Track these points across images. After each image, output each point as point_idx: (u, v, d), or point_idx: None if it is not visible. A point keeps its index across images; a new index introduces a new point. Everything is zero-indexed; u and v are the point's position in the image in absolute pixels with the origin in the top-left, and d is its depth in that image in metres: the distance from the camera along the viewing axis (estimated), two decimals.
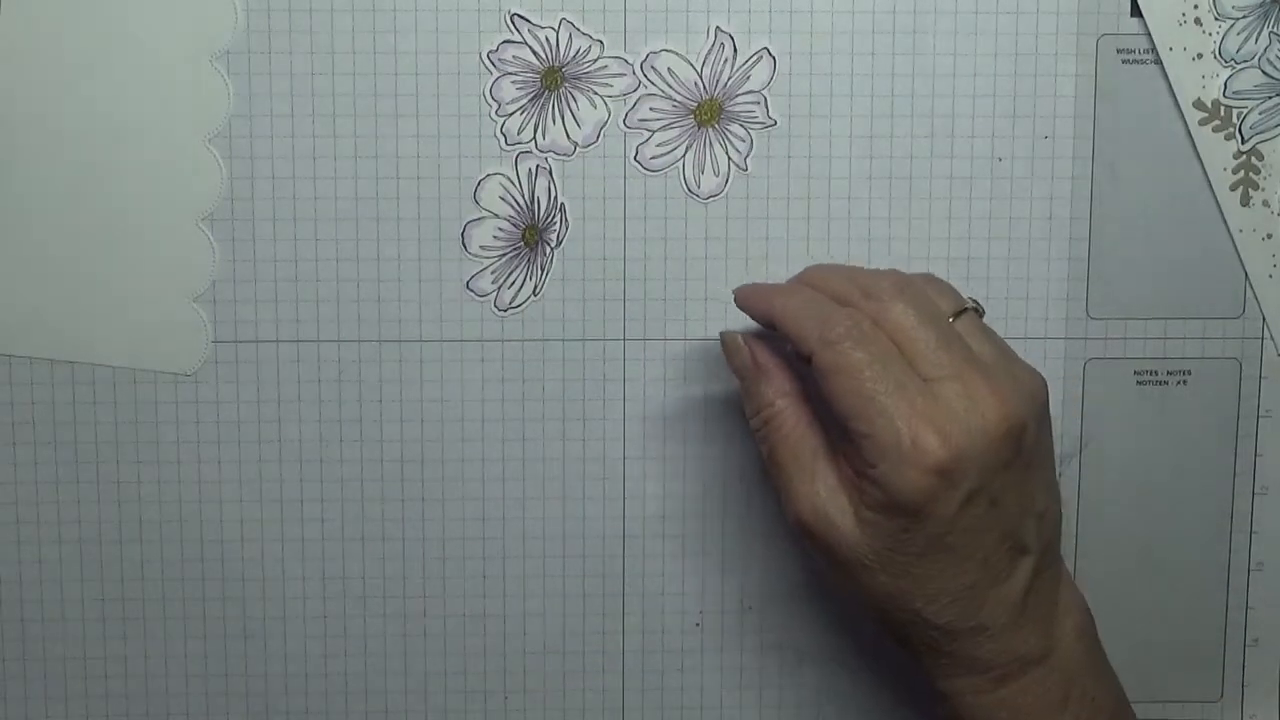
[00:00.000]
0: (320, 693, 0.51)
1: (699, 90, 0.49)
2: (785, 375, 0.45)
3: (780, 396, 0.45)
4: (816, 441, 0.44)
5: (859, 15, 0.48)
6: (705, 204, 0.49)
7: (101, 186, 0.48)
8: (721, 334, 0.47)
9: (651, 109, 0.49)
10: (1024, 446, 0.42)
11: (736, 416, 0.50)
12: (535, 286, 0.49)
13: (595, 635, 0.51)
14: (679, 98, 0.49)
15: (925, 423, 0.41)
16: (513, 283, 0.49)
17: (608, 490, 0.50)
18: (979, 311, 0.45)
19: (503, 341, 0.49)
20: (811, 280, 0.45)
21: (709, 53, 0.48)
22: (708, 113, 0.49)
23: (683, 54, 0.48)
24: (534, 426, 0.50)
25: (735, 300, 0.46)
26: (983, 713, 0.44)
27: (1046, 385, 0.44)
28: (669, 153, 0.49)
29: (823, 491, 0.43)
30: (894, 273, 0.45)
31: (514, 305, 0.49)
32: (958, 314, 0.44)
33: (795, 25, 0.48)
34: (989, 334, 0.44)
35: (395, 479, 0.50)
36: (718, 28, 0.48)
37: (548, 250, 0.49)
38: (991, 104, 0.49)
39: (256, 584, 0.50)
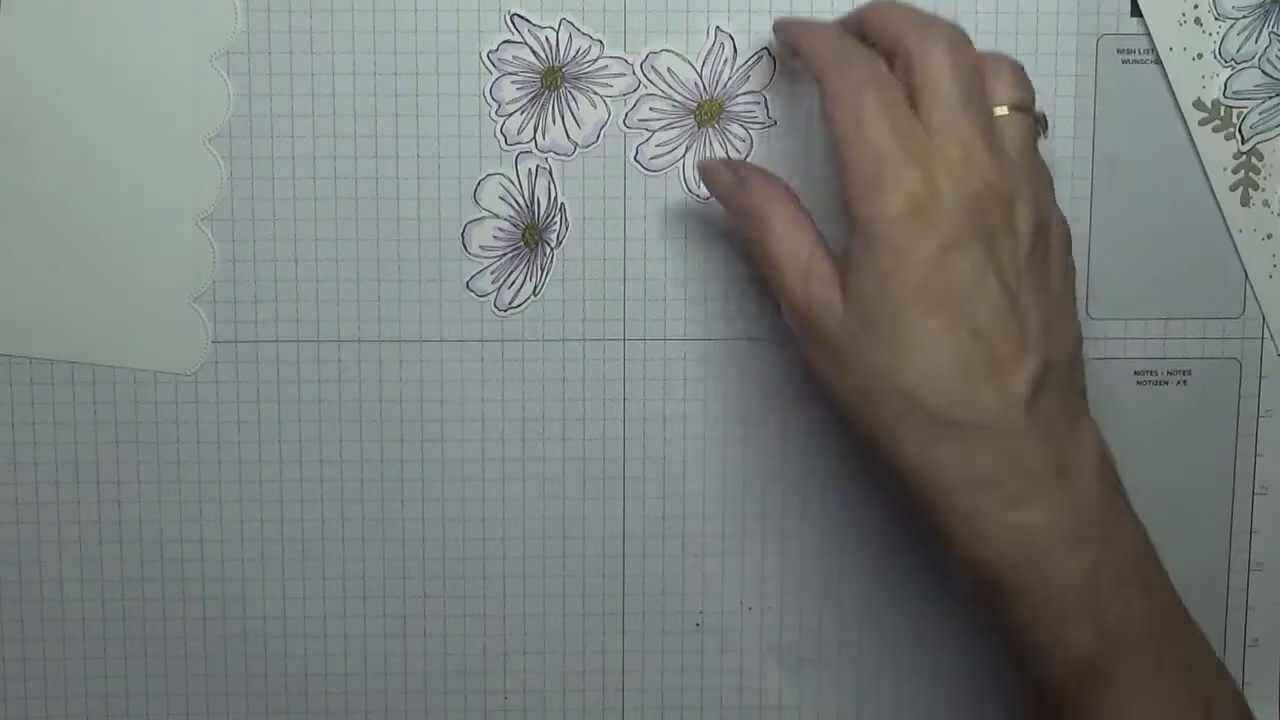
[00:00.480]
0: (320, 693, 0.51)
1: (699, 90, 0.49)
2: (770, 179, 0.44)
3: (769, 201, 0.43)
4: (810, 237, 0.42)
5: None
6: (705, 204, 0.49)
7: (101, 186, 0.48)
8: (699, 164, 0.46)
9: (651, 109, 0.49)
10: (1018, 228, 0.41)
11: (737, 416, 0.50)
12: (535, 286, 0.49)
13: (595, 635, 0.51)
14: (679, 98, 0.49)
15: (911, 160, 0.40)
16: (513, 283, 0.49)
17: (608, 490, 0.50)
18: (1041, 125, 0.43)
19: (503, 341, 0.49)
20: (866, 15, 0.43)
21: (709, 53, 0.48)
22: (708, 113, 0.49)
23: (683, 54, 0.48)
24: (534, 426, 0.50)
25: (773, 27, 0.46)
26: (992, 544, 0.41)
27: (1069, 232, 0.43)
28: (669, 153, 0.49)
29: (815, 285, 0.42)
30: (958, 32, 0.42)
31: (514, 305, 0.49)
32: (1013, 108, 0.42)
33: None
34: (1035, 151, 0.43)
35: (395, 479, 0.50)
36: (718, 28, 0.48)
37: (548, 250, 0.49)
38: None
39: (256, 584, 0.50)
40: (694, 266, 0.49)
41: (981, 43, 0.48)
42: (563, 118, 0.48)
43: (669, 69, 0.48)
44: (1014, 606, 0.41)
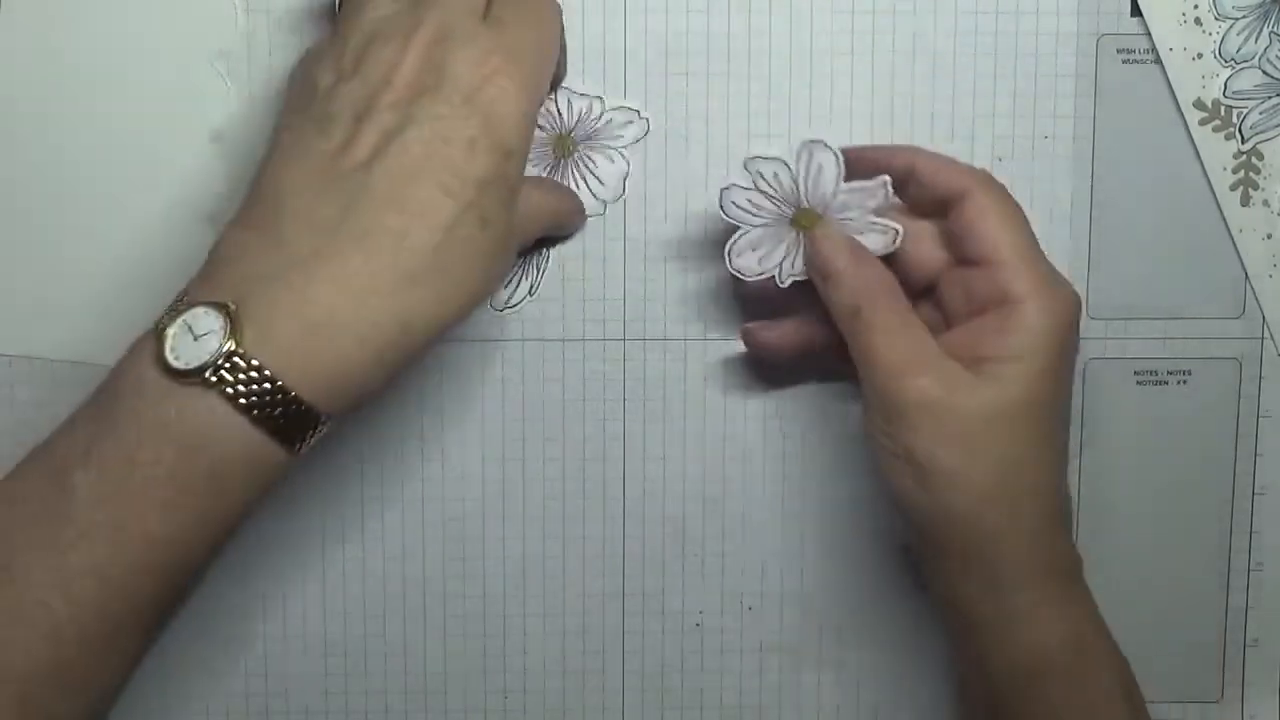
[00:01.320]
0: (320, 692, 0.51)
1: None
2: (877, 264, 0.44)
3: (875, 282, 0.43)
4: (919, 330, 0.43)
5: (859, 15, 0.48)
6: (705, 204, 0.49)
7: (102, 186, 0.48)
8: (817, 238, 0.44)
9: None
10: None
11: (736, 417, 0.50)
12: (533, 286, 0.49)
13: (595, 635, 0.51)
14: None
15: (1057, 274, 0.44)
16: (511, 282, 0.49)
17: (608, 490, 0.50)
18: None
19: (502, 341, 0.49)
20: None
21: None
22: None
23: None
24: (534, 426, 0.50)
25: (846, 156, 0.44)
26: (1055, 625, 0.44)
27: None
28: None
29: (938, 375, 0.42)
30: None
31: (512, 305, 0.49)
32: None
33: (795, 26, 0.48)
34: None
35: (395, 479, 0.50)
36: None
37: (546, 250, 0.49)
38: (991, 104, 0.49)
39: (257, 585, 0.50)
40: (694, 267, 0.49)
41: (982, 43, 0.49)
42: (585, 181, 0.48)
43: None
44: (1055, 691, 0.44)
